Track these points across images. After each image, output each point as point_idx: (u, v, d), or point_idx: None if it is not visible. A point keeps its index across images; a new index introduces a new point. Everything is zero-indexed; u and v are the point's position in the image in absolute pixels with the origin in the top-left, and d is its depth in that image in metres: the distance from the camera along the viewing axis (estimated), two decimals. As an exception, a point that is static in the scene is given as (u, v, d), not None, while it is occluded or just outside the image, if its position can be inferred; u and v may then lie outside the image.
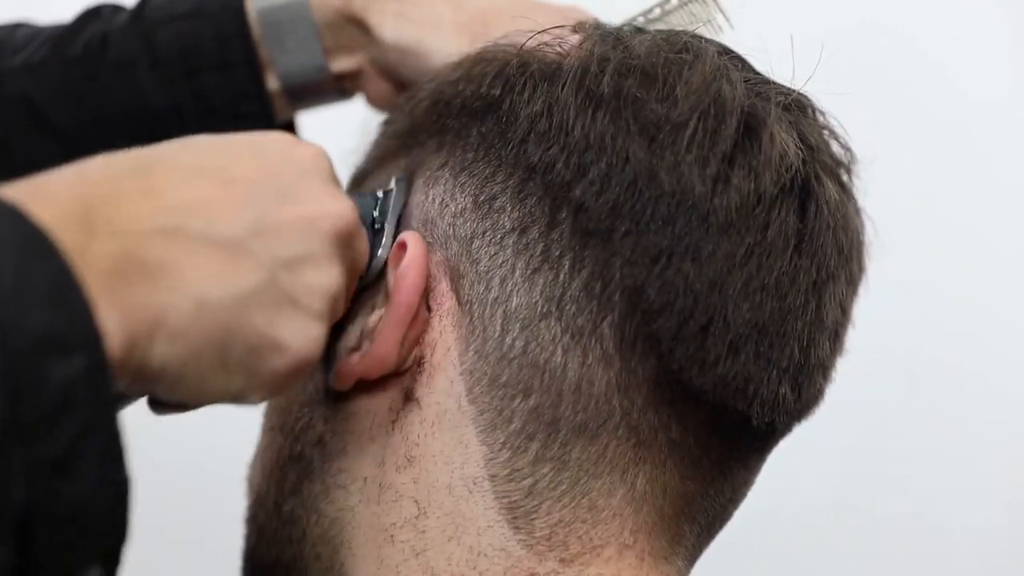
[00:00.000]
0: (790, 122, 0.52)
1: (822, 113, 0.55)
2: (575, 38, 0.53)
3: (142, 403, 0.48)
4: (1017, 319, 1.18)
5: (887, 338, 1.03)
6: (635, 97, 0.50)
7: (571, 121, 0.50)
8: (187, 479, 1.06)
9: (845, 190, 0.54)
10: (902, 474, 1.16)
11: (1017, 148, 1.17)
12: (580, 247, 0.49)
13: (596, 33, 0.53)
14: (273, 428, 0.57)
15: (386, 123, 0.59)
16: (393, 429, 0.51)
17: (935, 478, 1.17)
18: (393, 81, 0.69)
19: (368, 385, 0.52)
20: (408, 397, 0.51)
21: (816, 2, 1.11)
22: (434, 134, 0.54)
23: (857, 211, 0.55)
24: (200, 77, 0.68)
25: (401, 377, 0.52)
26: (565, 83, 0.51)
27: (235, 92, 0.69)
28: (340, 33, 0.69)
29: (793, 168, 0.50)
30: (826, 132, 0.54)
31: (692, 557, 0.54)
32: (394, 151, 0.57)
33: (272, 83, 0.70)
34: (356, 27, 0.69)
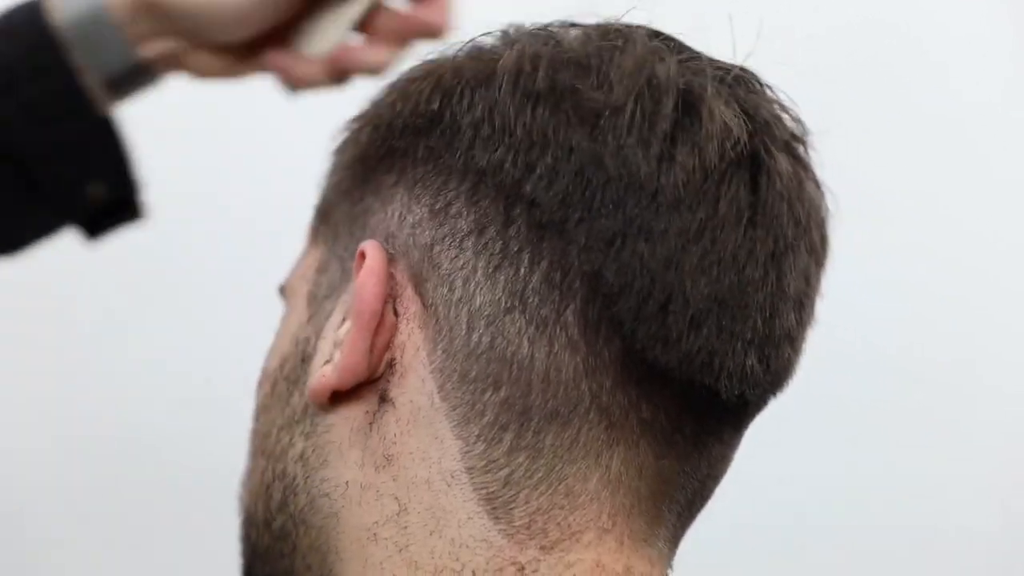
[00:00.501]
0: (730, 96, 0.52)
1: (770, 87, 0.55)
2: (503, 40, 0.54)
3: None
4: (1013, 319, 1.17)
5: (881, 337, 1.03)
6: (571, 88, 0.51)
7: (512, 121, 0.51)
8: (196, 491, 1.06)
9: (800, 162, 0.54)
10: (898, 474, 1.14)
11: (1016, 148, 1.16)
12: (537, 240, 0.50)
13: (525, 32, 0.54)
14: (256, 453, 0.58)
15: (336, 152, 0.60)
16: (371, 431, 0.52)
17: (930, 479, 1.15)
18: (210, 49, 0.76)
19: (344, 396, 0.53)
20: (383, 398, 0.52)
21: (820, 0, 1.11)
22: (383, 157, 0.55)
23: (816, 183, 0.54)
24: (19, 89, 0.74)
25: (375, 384, 0.52)
26: (501, 85, 0.51)
27: (55, 99, 0.74)
28: (139, 23, 0.75)
29: (741, 142, 0.51)
30: (776, 106, 0.54)
31: (674, 538, 0.54)
32: (351, 179, 0.58)
33: (93, 82, 0.75)
34: (152, 13, 0.75)
